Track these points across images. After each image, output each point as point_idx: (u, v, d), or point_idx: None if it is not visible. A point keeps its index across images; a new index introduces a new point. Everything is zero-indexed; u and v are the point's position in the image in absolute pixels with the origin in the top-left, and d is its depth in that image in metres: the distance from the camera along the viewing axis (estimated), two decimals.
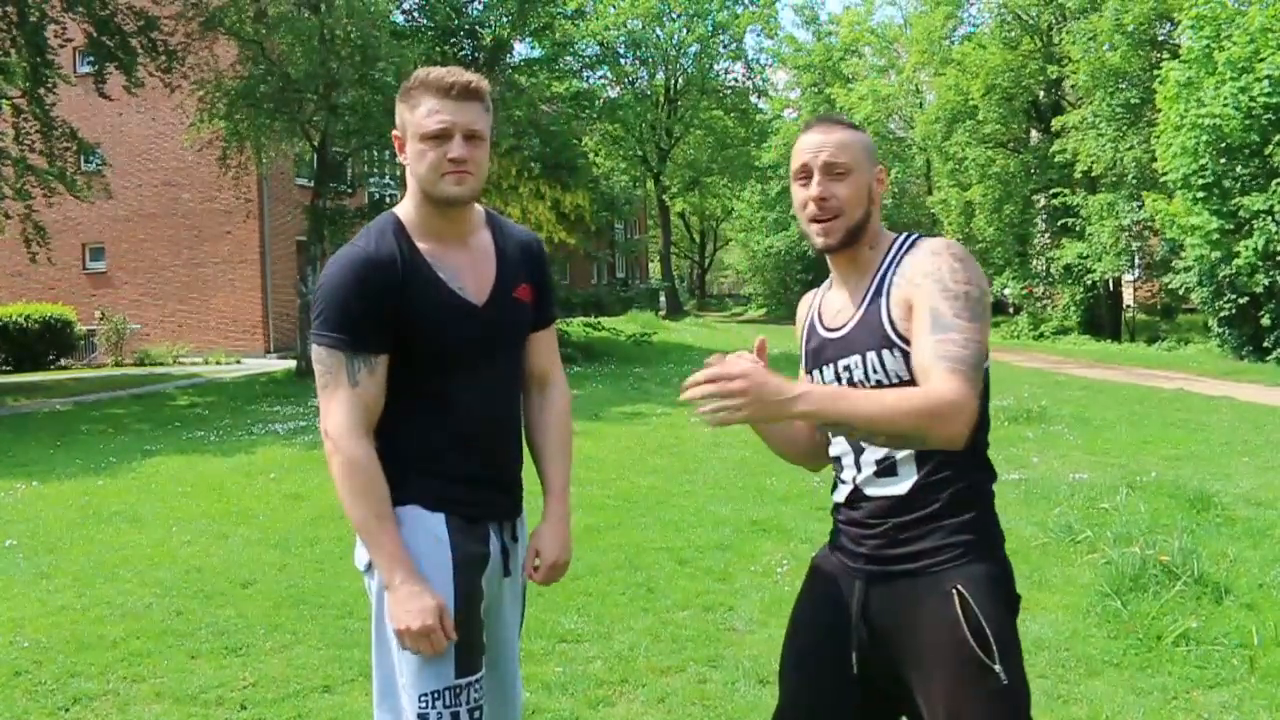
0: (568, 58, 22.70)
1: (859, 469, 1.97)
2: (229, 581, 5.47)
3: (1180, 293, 21.90)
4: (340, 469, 2.01)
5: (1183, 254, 19.80)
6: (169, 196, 24.02)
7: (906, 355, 1.87)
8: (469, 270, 2.13)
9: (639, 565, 5.63)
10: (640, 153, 47.60)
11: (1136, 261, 27.06)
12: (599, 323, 23.75)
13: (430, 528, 2.05)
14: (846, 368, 1.96)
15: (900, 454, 1.91)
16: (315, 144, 17.92)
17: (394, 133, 2.12)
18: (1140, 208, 22.67)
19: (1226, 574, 4.75)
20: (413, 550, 2.02)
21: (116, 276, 24.66)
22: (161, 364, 22.40)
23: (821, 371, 2.03)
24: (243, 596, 5.22)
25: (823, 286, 2.18)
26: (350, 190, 19.71)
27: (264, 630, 4.66)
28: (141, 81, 16.08)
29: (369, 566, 2.08)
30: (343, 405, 2.01)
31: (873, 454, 1.95)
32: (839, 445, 2.02)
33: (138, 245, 24.38)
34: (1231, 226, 18.02)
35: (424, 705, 2.00)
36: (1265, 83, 16.94)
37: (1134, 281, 29.41)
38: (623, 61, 47.20)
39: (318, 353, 2.03)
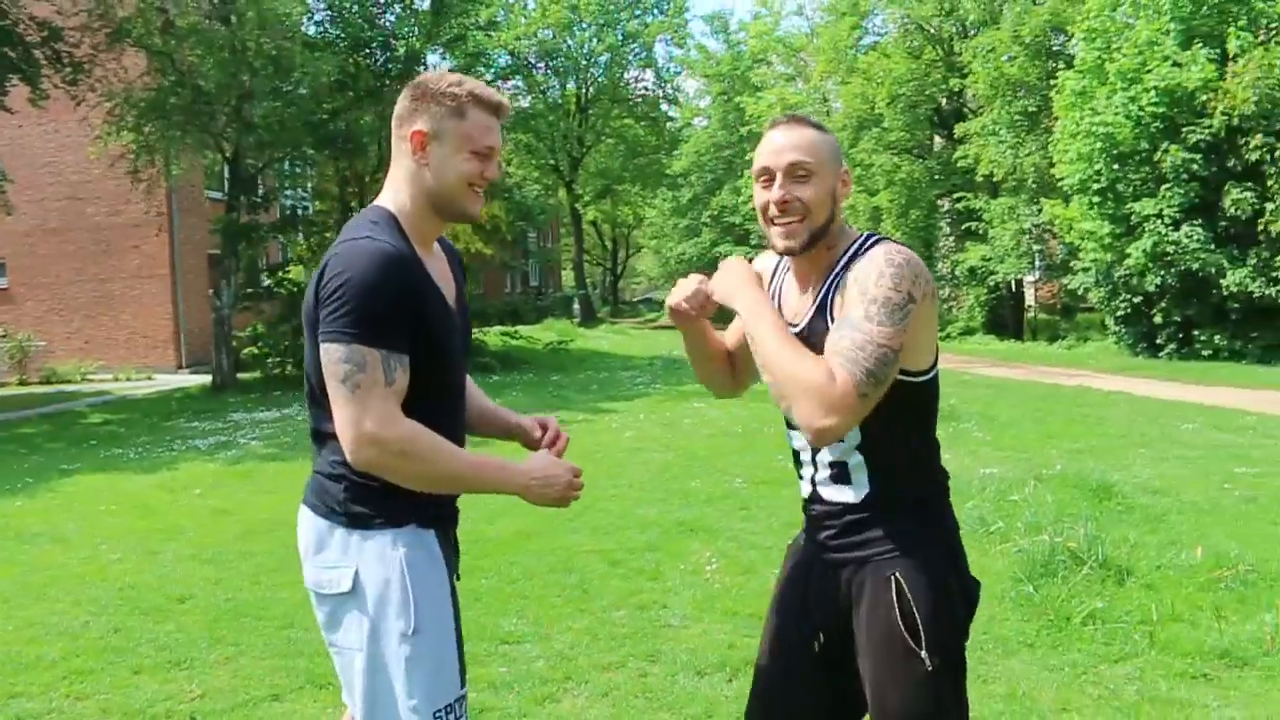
0: (480, 68, 22.67)
1: (815, 468, 2.09)
2: (164, 597, 5.47)
3: (1079, 293, 22.74)
4: (400, 458, 1.97)
5: (1080, 256, 20.58)
6: (73, 210, 23.42)
7: None
8: (442, 276, 2.16)
9: (572, 568, 5.77)
10: (553, 161, 47.66)
11: (1037, 263, 28.00)
12: (516, 331, 23.83)
13: (429, 546, 2.09)
14: None
15: (852, 461, 2.01)
16: (228, 157, 17.69)
17: (413, 129, 2.08)
18: (1040, 211, 23.50)
19: (1128, 558, 5.07)
20: (416, 574, 2.04)
21: (19, 293, 23.95)
22: (69, 381, 21.84)
23: None
24: (180, 611, 5.23)
25: (780, 264, 2.21)
26: (265, 204, 19.48)
27: (206, 643, 4.70)
28: (46, 94, 15.73)
29: (354, 588, 2.05)
30: (383, 402, 1.95)
31: (826, 455, 2.05)
32: (798, 440, 2.12)
33: (41, 261, 23.71)
34: (1124, 230, 18.83)
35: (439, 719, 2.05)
36: (1153, 93, 17.76)
37: (1035, 282, 30.43)
38: (535, 72, 47.19)
39: (347, 351, 1.94)
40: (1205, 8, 18.19)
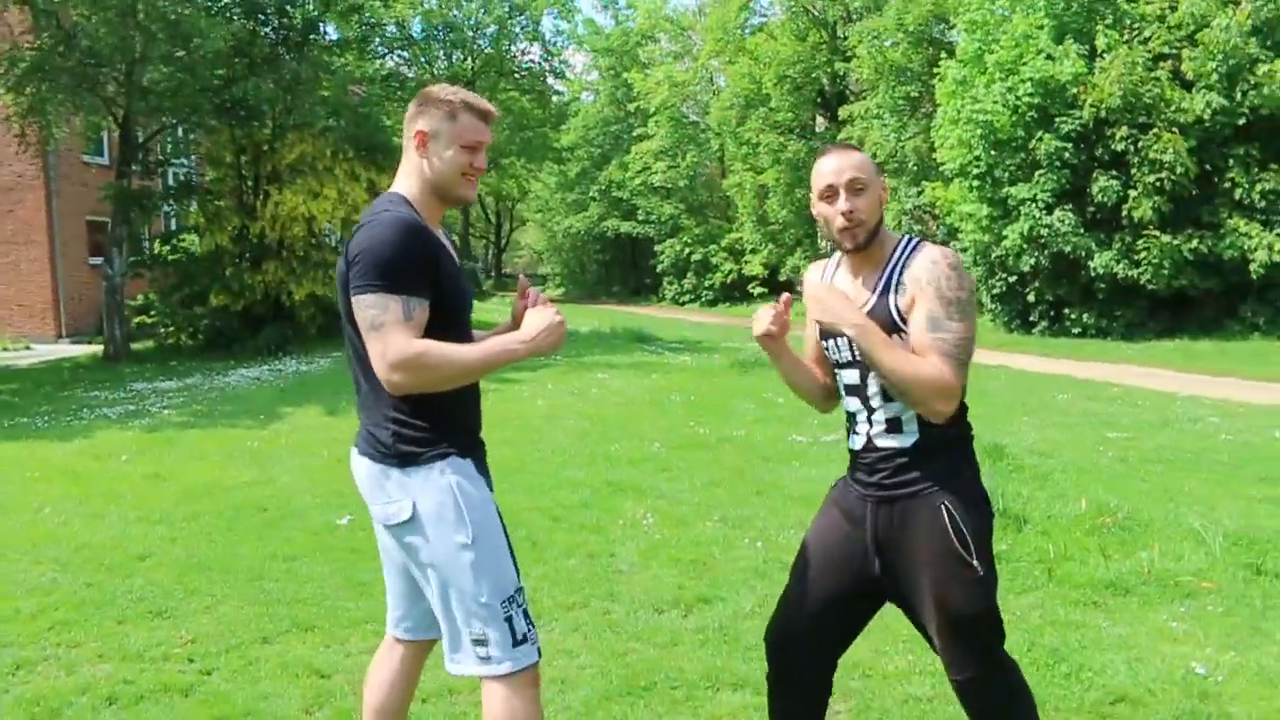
0: (376, 40, 22.54)
1: (871, 425, 2.56)
2: (124, 555, 5.63)
3: None
4: (422, 369, 2.31)
5: (959, 237, 21.65)
6: None
7: (908, 338, 2.45)
8: (448, 247, 2.57)
9: (518, 523, 6.10)
10: None
11: None
12: None
13: (469, 470, 2.48)
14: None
15: (905, 415, 2.50)
16: (118, 121, 17.28)
17: (417, 131, 2.49)
18: (921, 194, 24.57)
19: (1023, 509, 5.70)
20: (464, 493, 2.43)
21: None
22: None
23: (836, 341, 2.59)
24: (145, 568, 5.40)
25: (829, 265, 2.71)
26: (157, 171, 19.07)
27: (182, 594, 4.93)
28: None
29: (414, 515, 2.43)
30: (401, 334, 2.30)
31: (882, 414, 2.54)
32: (852, 403, 2.60)
33: None
34: (1000, 213, 19.91)
35: (506, 609, 2.44)
36: (1028, 84, 18.80)
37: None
38: (425, 43, 46.61)
39: (372, 299, 2.31)
40: (1075, 5, 19.31)
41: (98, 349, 18.98)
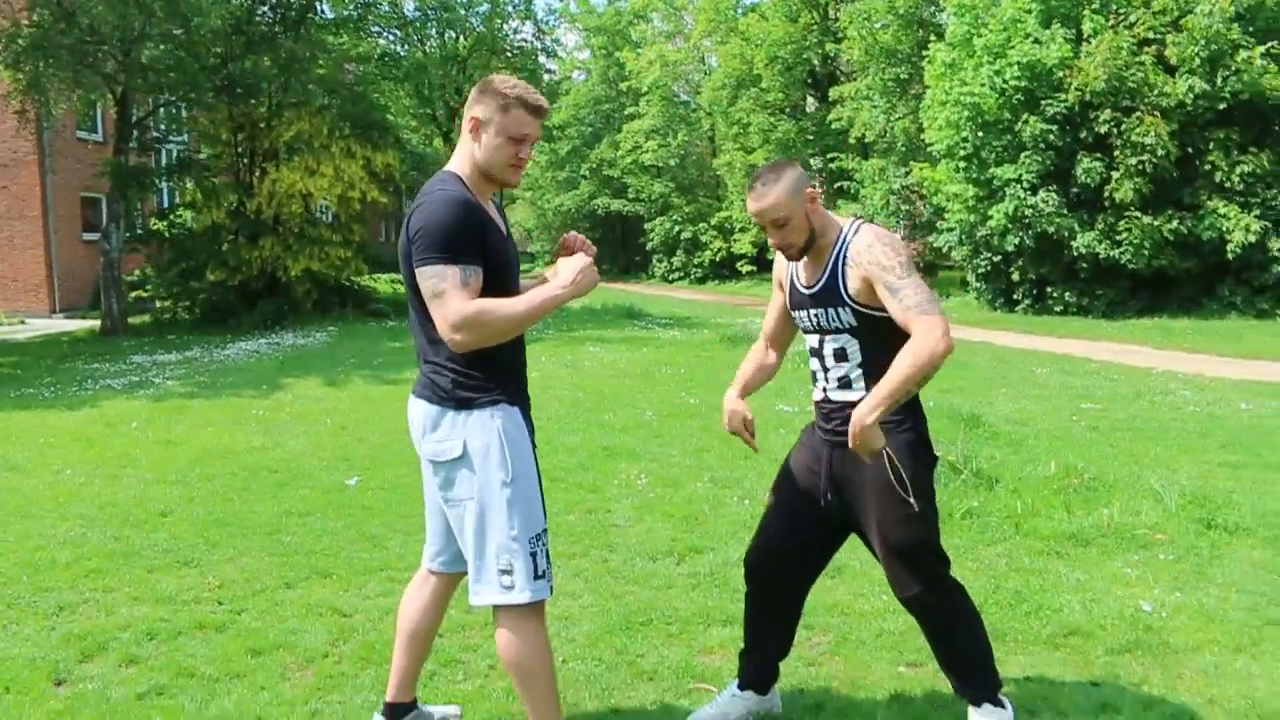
0: (370, 20, 22.71)
1: (827, 382, 2.99)
2: (146, 512, 5.95)
3: (943, 251, 24.22)
4: (480, 326, 2.62)
5: (946, 217, 21.96)
6: None
7: (852, 309, 2.86)
8: (498, 219, 2.88)
9: None
10: (430, 111, 47.30)
11: (904, 222, 29.53)
12: None
13: (515, 418, 2.81)
14: (816, 313, 2.95)
15: (854, 375, 2.92)
16: (117, 98, 17.46)
17: (472, 116, 2.77)
18: (908, 174, 24.87)
19: (996, 470, 6.06)
20: (510, 437, 2.76)
21: None
22: None
23: (799, 313, 3.02)
24: (167, 524, 5.72)
25: None
26: (155, 147, 19.27)
27: (205, 547, 5.25)
28: None
29: (464, 453, 2.75)
30: (458, 297, 2.61)
31: (835, 373, 2.97)
32: (813, 364, 3.03)
33: None
34: (986, 193, 20.24)
35: (532, 545, 2.77)
36: (1015, 67, 19.08)
37: (902, 240, 32.00)
38: (418, 22, 46.55)
39: (433, 270, 2.62)
40: None
41: (93, 323, 19.22)
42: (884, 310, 2.81)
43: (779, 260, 3.15)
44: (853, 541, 3.22)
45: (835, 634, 3.92)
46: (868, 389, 2.87)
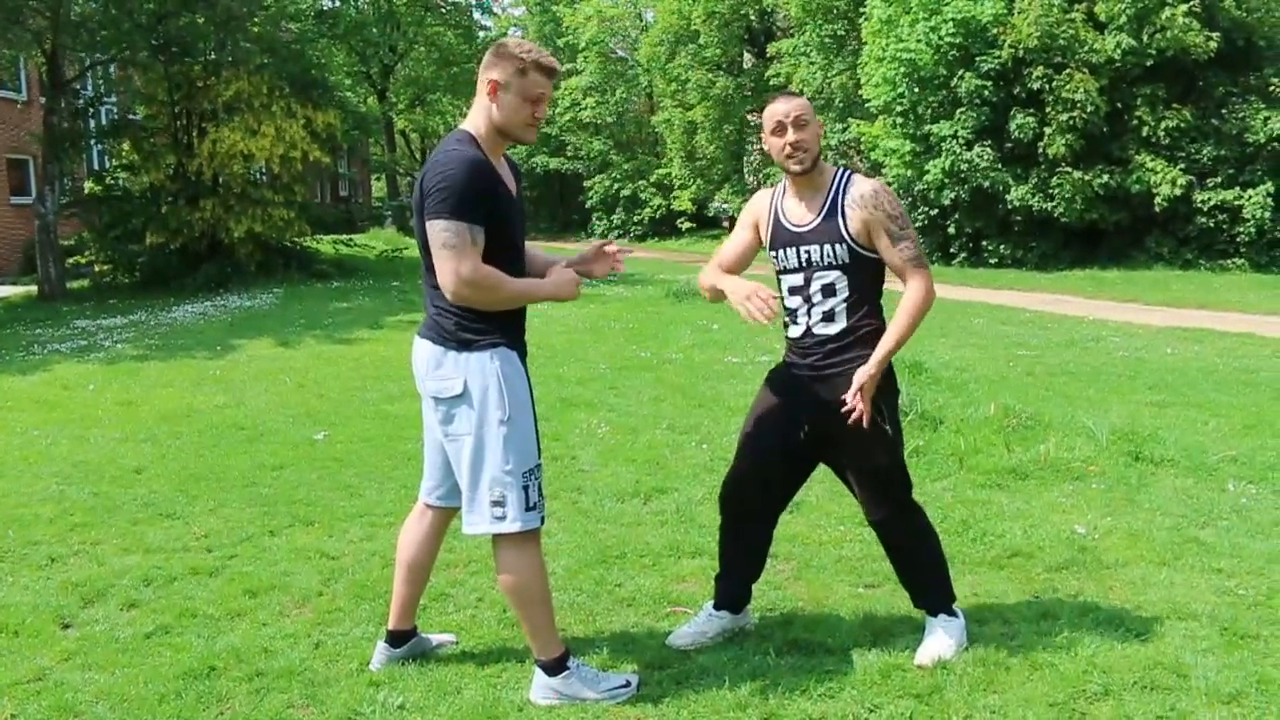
0: None
1: (810, 317, 3.22)
2: (120, 469, 6.06)
3: None
4: (480, 289, 2.88)
5: (884, 172, 22.37)
6: None
7: (849, 249, 3.12)
8: (508, 177, 3.10)
9: None
10: (364, 69, 46.65)
11: None
12: (350, 240, 23.96)
13: (514, 361, 3.04)
14: (808, 250, 3.17)
15: (839, 308, 3.16)
16: (46, 56, 17.08)
17: (490, 79, 2.95)
18: (846, 130, 25.22)
19: (939, 412, 6.40)
20: (508, 380, 2.98)
21: None
22: None
23: (785, 250, 3.23)
24: (143, 480, 5.84)
25: (775, 191, 3.33)
26: (90, 110, 18.90)
27: (185, 500, 5.40)
28: None
29: (464, 391, 2.97)
30: (470, 256, 2.86)
31: (820, 308, 3.19)
32: (794, 301, 3.25)
33: None
34: (923, 149, 20.66)
35: (525, 479, 3.00)
36: (950, 24, 19.45)
37: None
38: None
39: (444, 224, 2.84)
40: None
41: (29, 289, 18.87)
42: (875, 252, 3.14)
43: (756, 201, 3.38)
44: (810, 480, 3.51)
45: (798, 561, 4.22)
46: (848, 321, 3.17)
